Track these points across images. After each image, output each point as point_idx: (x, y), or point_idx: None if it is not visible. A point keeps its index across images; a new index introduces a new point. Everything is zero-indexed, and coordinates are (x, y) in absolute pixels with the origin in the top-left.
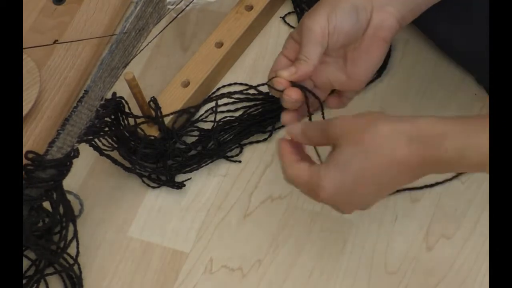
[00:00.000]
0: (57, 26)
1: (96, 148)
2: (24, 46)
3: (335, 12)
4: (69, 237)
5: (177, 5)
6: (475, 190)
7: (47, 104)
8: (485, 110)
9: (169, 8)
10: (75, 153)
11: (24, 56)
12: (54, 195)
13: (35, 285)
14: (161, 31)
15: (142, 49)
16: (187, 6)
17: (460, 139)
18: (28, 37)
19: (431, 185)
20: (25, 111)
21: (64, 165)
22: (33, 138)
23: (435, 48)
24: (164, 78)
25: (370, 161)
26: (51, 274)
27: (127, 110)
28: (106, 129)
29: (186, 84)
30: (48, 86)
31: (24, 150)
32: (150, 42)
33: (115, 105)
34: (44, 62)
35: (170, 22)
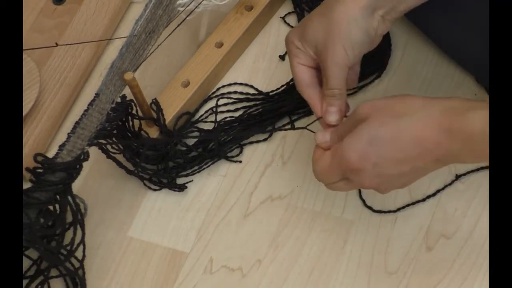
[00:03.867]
0: (57, 26)
1: (105, 150)
2: (24, 47)
3: (351, 46)
4: (76, 241)
5: (187, 6)
6: (475, 190)
7: (47, 104)
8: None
9: (179, 10)
10: (85, 156)
11: (24, 56)
12: (63, 198)
13: (39, 287)
14: (171, 33)
15: (153, 52)
16: (196, 7)
17: (487, 114)
18: (28, 37)
19: (434, 194)
20: (25, 111)
21: (73, 168)
22: (33, 138)
23: (435, 48)
24: (164, 78)
25: (399, 134)
26: (55, 277)
27: (134, 112)
28: (115, 132)
29: (186, 84)
30: (48, 86)
31: (24, 150)
32: (160, 44)
33: (125, 108)
34: (44, 62)
35: (179, 24)
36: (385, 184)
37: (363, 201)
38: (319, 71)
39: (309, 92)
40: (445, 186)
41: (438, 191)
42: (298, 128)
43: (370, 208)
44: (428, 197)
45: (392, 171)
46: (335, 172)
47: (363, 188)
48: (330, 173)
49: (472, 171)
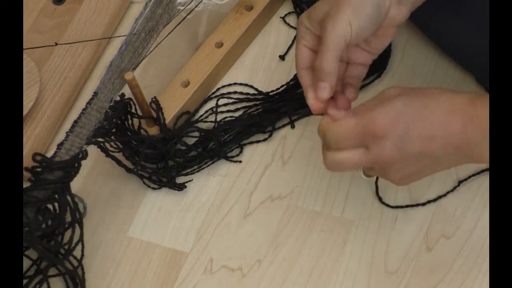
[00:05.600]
0: (57, 26)
1: (104, 149)
2: (24, 47)
3: (358, 17)
4: (74, 239)
5: (187, 5)
6: (475, 190)
7: (47, 104)
8: None
9: (179, 9)
10: (84, 155)
11: (24, 56)
12: (62, 197)
13: (38, 286)
14: (171, 31)
15: (152, 51)
16: (196, 6)
17: None
18: (28, 37)
19: (434, 200)
20: (25, 111)
21: (71, 166)
22: (33, 138)
23: (435, 48)
24: (164, 78)
25: (429, 109)
26: (54, 276)
27: (133, 110)
28: (114, 130)
29: (186, 84)
30: (48, 86)
31: (24, 150)
32: (160, 43)
33: (124, 106)
34: (44, 62)
35: (179, 23)
36: (402, 163)
37: (380, 198)
38: None
39: (304, 74)
40: (447, 193)
41: (439, 196)
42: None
43: (387, 204)
44: (428, 202)
45: (414, 149)
46: (356, 135)
47: (377, 164)
48: (350, 135)
49: (473, 175)
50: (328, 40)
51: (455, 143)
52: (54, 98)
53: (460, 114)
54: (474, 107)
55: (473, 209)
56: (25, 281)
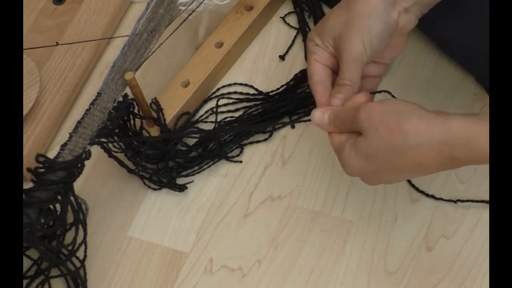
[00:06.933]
0: (57, 26)
1: (106, 150)
2: (24, 47)
3: (370, 36)
4: (78, 240)
5: (188, 6)
6: (475, 190)
7: (47, 104)
8: (485, 110)
9: (180, 9)
10: (87, 155)
11: (24, 56)
12: (64, 198)
13: (40, 287)
14: (173, 31)
15: (155, 51)
16: (197, 6)
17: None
18: (28, 37)
19: (436, 198)
20: (25, 111)
21: (74, 166)
22: (33, 138)
23: (435, 48)
24: (164, 78)
25: (396, 159)
26: (56, 276)
27: (135, 111)
28: (117, 130)
29: (186, 84)
30: (48, 86)
31: (24, 150)
32: (162, 43)
33: (127, 107)
34: (44, 62)
35: (182, 23)
36: (389, 181)
37: (412, 185)
38: (334, 73)
39: (318, 88)
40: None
41: (442, 199)
42: (299, 121)
43: (433, 196)
44: (429, 195)
45: (392, 178)
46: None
47: None
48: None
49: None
50: (347, 62)
51: (434, 171)
52: (54, 98)
53: (433, 157)
54: (450, 149)
55: (473, 209)
56: (26, 282)
